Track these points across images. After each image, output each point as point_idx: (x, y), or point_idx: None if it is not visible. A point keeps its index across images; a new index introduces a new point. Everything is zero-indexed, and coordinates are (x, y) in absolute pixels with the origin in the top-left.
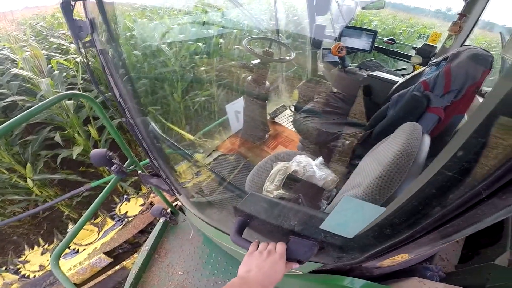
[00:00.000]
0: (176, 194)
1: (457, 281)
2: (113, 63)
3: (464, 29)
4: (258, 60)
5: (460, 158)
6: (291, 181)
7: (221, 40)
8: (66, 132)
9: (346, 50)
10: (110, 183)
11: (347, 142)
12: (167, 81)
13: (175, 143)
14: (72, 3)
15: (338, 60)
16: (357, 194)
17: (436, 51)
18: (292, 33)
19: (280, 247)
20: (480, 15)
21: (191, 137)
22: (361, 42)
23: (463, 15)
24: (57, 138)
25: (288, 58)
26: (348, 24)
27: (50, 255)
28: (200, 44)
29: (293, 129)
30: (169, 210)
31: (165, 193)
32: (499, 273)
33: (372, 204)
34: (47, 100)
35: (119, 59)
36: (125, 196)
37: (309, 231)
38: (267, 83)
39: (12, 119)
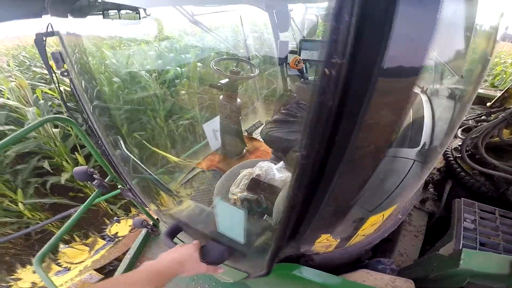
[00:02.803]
0: (147, 205)
1: (408, 274)
2: (86, 89)
3: None
4: (227, 80)
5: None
6: (254, 184)
7: (199, 64)
8: (55, 160)
9: (306, 63)
10: (92, 195)
11: None
12: (149, 106)
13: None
14: (44, 38)
15: (299, 74)
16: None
17: None
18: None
19: (191, 245)
20: None
21: (175, 159)
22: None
23: None
24: (46, 166)
25: (252, 74)
26: (306, 38)
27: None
28: (178, 68)
29: None
30: (150, 222)
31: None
32: (442, 262)
33: (232, 207)
34: (31, 124)
35: (91, 85)
36: (115, 218)
37: (220, 236)
38: (238, 100)
39: None
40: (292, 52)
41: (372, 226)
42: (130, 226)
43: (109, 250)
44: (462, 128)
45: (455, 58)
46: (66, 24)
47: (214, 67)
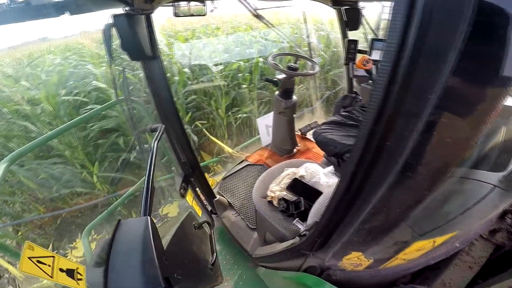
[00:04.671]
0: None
1: None
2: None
3: None
4: (284, 75)
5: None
6: (296, 184)
7: (261, 59)
8: (129, 138)
9: (378, 63)
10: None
11: None
12: (213, 97)
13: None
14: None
15: (366, 75)
16: None
17: None
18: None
19: None
20: None
21: (230, 150)
22: None
23: None
24: (121, 142)
25: (311, 72)
26: (379, 37)
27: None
28: (242, 63)
29: None
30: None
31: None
32: None
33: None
34: (104, 105)
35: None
36: (169, 199)
37: None
38: (294, 97)
39: (75, 119)
40: (360, 51)
41: (418, 252)
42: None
43: (158, 229)
44: None
45: None
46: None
47: (272, 61)
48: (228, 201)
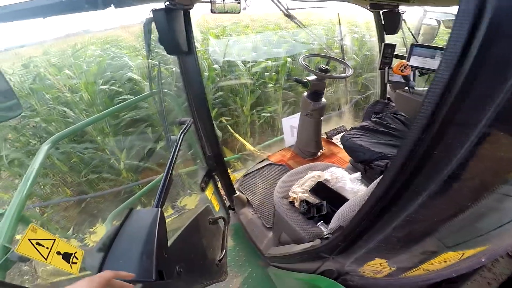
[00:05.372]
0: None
1: None
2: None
3: None
4: (314, 77)
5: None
6: (320, 187)
7: (289, 59)
8: (156, 128)
9: (416, 70)
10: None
11: None
12: (239, 94)
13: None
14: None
15: (403, 81)
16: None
17: None
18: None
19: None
20: None
21: (252, 148)
22: (436, 63)
23: None
24: (149, 132)
25: (343, 75)
26: (420, 43)
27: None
28: (269, 62)
29: None
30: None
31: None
32: None
33: None
34: (139, 96)
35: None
36: (188, 191)
37: None
38: (323, 100)
39: (112, 108)
40: (397, 56)
41: (443, 263)
42: (197, 201)
43: (173, 220)
44: None
45: None
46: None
47: (303, 63)
48: (247, 198)
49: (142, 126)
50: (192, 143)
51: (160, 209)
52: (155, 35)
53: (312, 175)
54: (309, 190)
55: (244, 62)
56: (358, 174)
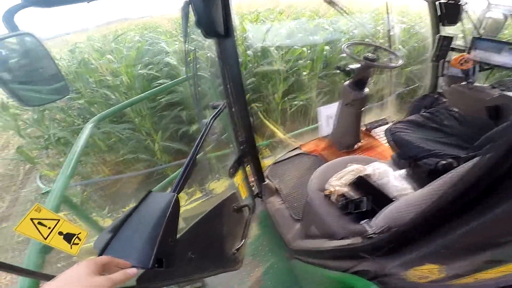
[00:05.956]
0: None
1: None
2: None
3: None
4: (358, 65)
5: None
6: (361, 182)
7: (327, 47)
8: (190, 112)
9: (477, 65)
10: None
11: (443, 162)
12: (271, 81)
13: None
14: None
15: (461, 75)
16: None
17: None
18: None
19: (83, 263)
20: None
21: (282, 135)
22: (502, 58)
23: None
24: (183, 115)
25: (393, 65)
26: (483, 36)
27: None
28: (305, 49)
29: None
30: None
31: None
32: None
33: None
34: (175, 80)
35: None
36: (216, 175)
37: None
38: (366, 89)
39: (150, 91)
40: (453, 49)
41: (498, 273)
42: (225, 186)
43: (201, 204)
44: None
45: None
46: None
47: (346, 50)
48: (275, 187)
49: (177, 109)
50: (226, 127)
51: (175, 195)
52: (191, 20)
53: (352, 169)
54: (349, 185)
55: (277, 49)
56: (403, 171)
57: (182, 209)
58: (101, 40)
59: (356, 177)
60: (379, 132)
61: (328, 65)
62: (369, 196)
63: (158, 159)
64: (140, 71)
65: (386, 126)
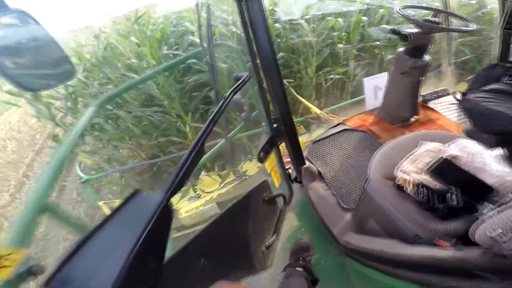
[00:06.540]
0: None
1: None
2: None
3: None
4: (415, 30)
5: None
6: (447, 168)
7: (364, 18)
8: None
9: None
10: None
11: None
12: (303, 55)
13: None
14: None
15: None
16: None
17: None
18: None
19: None
20: None
21: (318, 111)
22: None
23: None
24: (212, 95)
25: (465, 28)
26: None
27: None
28: (340, 20)
29: (453, 117)
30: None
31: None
32: None
33: None
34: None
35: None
36: (249, 156)
37: None
38: (427, 57)
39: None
40: None
41: None
42: (258, 167)
43: (235, 187)
44: None
45: None
46: None
47: (402, 12)
48: (318, 170)
49: (205, 90)
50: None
51: (166, 198)
52: None
53: (429, 148)
54: (429, 171)
55: (308, 21)
56: (501, 151)
57: (215, 193)
58: (126, 23)
59: (437, 160)
60: (439, 104)
61: (365, 37)
62: (459, 185)
63: (190, 140)
64: (165, 52)
65: (447, 98)
